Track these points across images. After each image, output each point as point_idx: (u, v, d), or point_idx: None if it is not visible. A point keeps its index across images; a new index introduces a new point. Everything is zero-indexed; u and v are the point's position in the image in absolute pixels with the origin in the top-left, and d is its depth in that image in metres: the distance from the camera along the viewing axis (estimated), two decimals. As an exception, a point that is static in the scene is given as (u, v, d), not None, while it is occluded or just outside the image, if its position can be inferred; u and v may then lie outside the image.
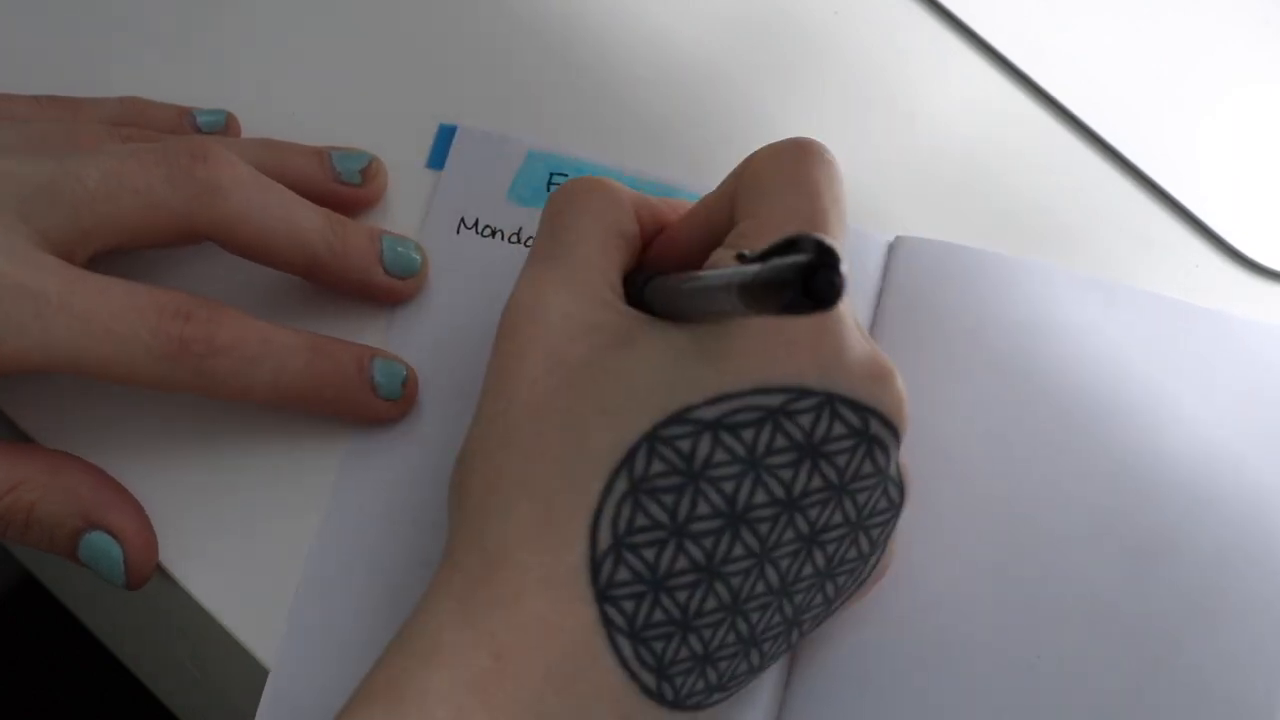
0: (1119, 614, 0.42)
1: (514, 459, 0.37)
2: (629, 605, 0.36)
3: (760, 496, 0.37)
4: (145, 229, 0.41)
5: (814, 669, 0.41)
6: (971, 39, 0.50)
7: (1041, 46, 0.50)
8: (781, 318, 0.30)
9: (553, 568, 0.36)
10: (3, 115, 0.45)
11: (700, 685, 0.38)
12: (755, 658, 0.38)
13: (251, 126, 0.48)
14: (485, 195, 0.47)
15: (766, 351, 0.37)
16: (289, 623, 0.42)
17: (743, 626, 0.38)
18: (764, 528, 0.37)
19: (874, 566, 0.40)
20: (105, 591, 0.53)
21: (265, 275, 0.44)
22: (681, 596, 0.37)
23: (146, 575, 0.42)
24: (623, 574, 0.36)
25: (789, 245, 0.31)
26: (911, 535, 0.41)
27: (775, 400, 0.37)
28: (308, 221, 0.43)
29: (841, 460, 0.37)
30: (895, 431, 0.38)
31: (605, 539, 0.36)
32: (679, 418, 0.37)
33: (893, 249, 0.46)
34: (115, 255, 0.42)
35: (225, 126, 0.47)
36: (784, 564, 0.37)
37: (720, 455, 0.37)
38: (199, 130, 0.47)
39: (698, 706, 0.38)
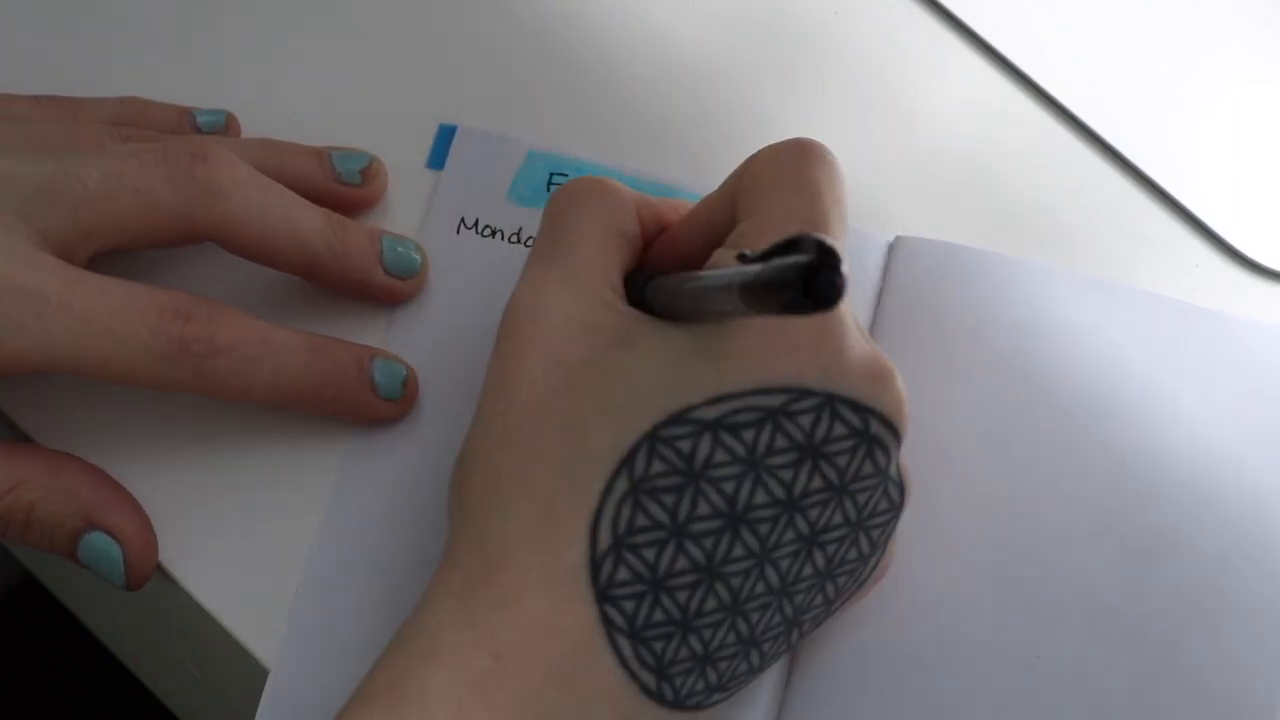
0: (1119, 614, 0.42)
1: (514, 459, 0.37)
2: (629, 605, 0.36)
3: (760, 497, 0.37)
4: (145, 229, 0.41)
5: (814, 669, 0.41)
6: (971, 39, 0.50)
7: (1041, 46, 0.50)
8: (782, 318, 0.30)
9: (553, 567, 0.36)
10: (3, 115, 0.45)
11: (700, 685, 0.38)
12: (755, 658, 0.38)
13: (251, 126, 0.48)
14: (485, 195, 0.47)
15: (767, 352, 0.37)
16: (289, 623, 0.42)
17: (743, 627, 0.38)
18: (764, 528, 0.37)
19: (874, 567, 0.40)
20: (105, 591, 0.53)
21: (265, 275, 0.44)
22: (681, 596, 0.37)
23: (146, 575, 0.42)
24: (623, 574, 0.36)
25: (790, 245, 0.31)
26: (912, 535, 0.41)
27: (775, 400, 0.37)
28: (308, 222, 0.43)
29: (842, 461, 0.37)
30: (895, 432, 0.38)
31: (605, 539, 0.36)
32: (679, 418, 0.37)
33: (893, 249, 0.46)
34: (115, 255, 0.42)
35: (225, 126, 0.47)
36: (784, 564, 0.37)
37: (720, 455, 0.37)
38: (199, 130, 0.47)
39: (698, 706, 0.38)
